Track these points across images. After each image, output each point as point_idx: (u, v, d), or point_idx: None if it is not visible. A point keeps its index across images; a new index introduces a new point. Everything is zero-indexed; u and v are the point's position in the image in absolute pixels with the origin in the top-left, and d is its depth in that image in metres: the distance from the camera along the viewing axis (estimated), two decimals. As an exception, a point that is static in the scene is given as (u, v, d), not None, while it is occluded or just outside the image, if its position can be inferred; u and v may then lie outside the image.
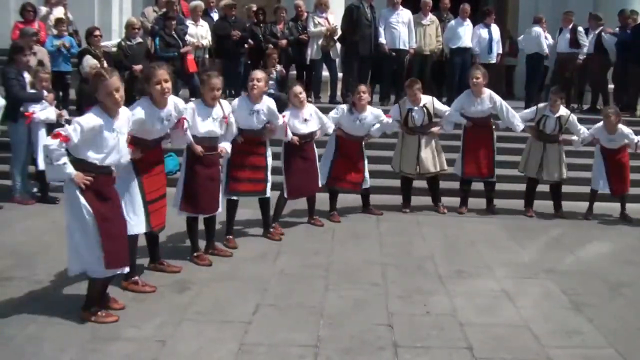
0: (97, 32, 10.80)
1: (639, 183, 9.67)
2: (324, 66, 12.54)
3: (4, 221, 7.70)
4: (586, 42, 13.14)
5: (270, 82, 11.38)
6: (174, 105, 5.64)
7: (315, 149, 7.82)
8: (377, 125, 8.31)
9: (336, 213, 8.28)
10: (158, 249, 6.11)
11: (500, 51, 13.33)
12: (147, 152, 5.51)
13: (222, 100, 6.44)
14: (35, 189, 8.84)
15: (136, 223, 5.50)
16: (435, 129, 8.67)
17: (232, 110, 6.62)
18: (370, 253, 6.94)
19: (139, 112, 5.35)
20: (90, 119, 4.71)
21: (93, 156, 4.74)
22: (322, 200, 8.20)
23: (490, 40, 12.96)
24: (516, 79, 15.48)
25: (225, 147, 6.50)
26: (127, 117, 5.02)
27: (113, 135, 4.80)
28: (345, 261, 6.62)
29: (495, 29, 13.15)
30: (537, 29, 13.38)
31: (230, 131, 6.58)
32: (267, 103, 6.98)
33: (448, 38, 13.07)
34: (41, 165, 8.33)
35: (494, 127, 8.81)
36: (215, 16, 13.19)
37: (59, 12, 12.03)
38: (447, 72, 13.26)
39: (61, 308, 5.05)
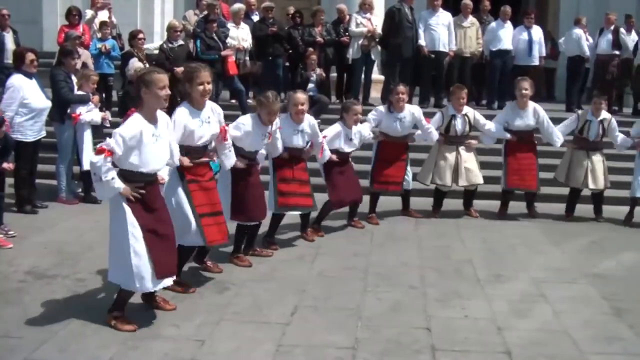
0: (140, 35, 10.98)
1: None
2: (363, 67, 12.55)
3: (49, 220, 7.87)
4: (628, 44, 12.94)
5: (310, 85, 11.48)
6: (211, 108, 5.66)
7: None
8: (419, 132, 8.35)
9: (375, 216, 8.28)
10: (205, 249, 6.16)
11: (544, 53, 13.19)
12: (196, 164, 5.56)
13: None
14: (79, 189, 9.01)
15: (189, 233, 5.49)
16: (473, 142, 8.58)
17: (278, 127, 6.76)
18: (409, 256, 6.93)
19: (179, 116, 5.40)
20: (130, 127, 4.69)
21: (136, 164, 4.75)
22: (362, 202, 8.19)
23: (530, 42, 12.84)
24: (557, 81, 15.29)
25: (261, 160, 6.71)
26: (167, 122, 5.03)
27: (153, 140, 4.79)
28: (384, 264, 6.63)
29: (536, 31, 13.02)
30: (578, 31, 13.22)
31: (276, 146, 6.73)
32: (309, 120, 7.06)
33: (488, 40, 12.97)
34: (86, 165, 8.52)
35: (535, 140, 8.71)
36: (255, 18, 13.29)
37: (103, 15, 12.25)
38: (487, 74, 13.17)
39: (103, 306, 5.14)
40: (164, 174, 5.22)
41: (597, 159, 8.59)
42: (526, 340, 4.87)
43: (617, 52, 13.02)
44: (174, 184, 5.49)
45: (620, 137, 8.75)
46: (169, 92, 4.85)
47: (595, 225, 8.54)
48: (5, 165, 7.02)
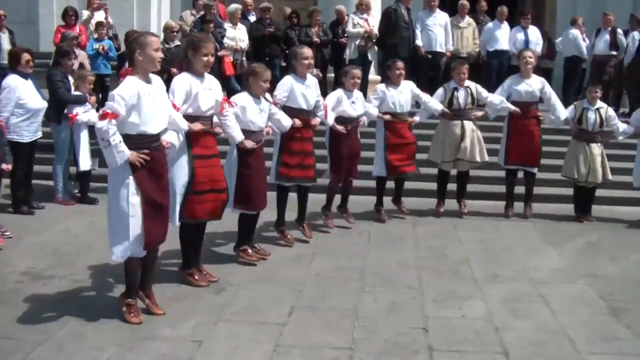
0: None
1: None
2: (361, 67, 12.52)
3: (45, 221, 7.84)
4: (625, 44, 12.95)
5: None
6: (210, 78, 5.76)
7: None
8: (422, 107, 8.44)
9: (382, 210, 8.34)
10: (200, 250, 6.04)
11: (539, 53, 13.16)
12: (203, 135, 5.61)
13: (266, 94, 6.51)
14: (76, 190, 8.99)
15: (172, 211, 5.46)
16: (478, 113, 8.55)
17: (284, 94, 6.86)
18: (406, 256, 6.93)
19: (180, 80, 5.52)
20: (128, 87, 4.73)
21: (137, 123, 4.76)
22: (355, 201, 8.17)
23: (527, 42, 12.86)
24: (554, 82, 15.29)
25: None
26: (161, 83, 5.08)
27: (150, 99, 4.81)
28: (381, 264, 6.63)
29: (532, 31, 13.05)
30: (574, 31, 13.24)
31: (280, 121, 6.64)
32: (312, 78, 7.17)
33: (485, 41, 13.00)
34: (82, 166, 8.51)
35: (541, 117, 8.58)
36: (252, 19, 13.29)
37: (100, 16, 12.23)
38: (483, 74, 13.17)
39: (100, 307, 5.16)
40: (171, 139, 5.22)
41: (597, 151, 8.51)
42: (524, 340, 4.88)
43: (614, 53, 13.02)
44: (180, 156, 5.52)
45: (622, 125, 8.73)
46: (162, 55, 4.94)
47: (592, 226, 8.52)
48: (4, 166, 7.01)
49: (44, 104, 8.15)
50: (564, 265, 6.83)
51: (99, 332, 4.78)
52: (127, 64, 9.97)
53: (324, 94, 11.87)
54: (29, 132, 8.00)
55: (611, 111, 8.74)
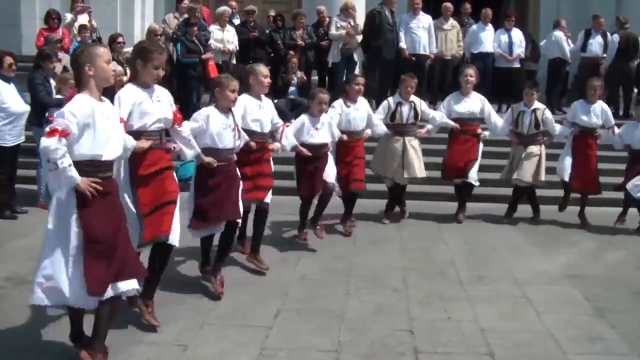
0: (120, 39, 10.92)
1: None
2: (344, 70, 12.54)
3: (27, 226, 7.79)
4: (616, 47, 13.03)
5: (291, 87, 11.47)
6: (160, 89, 5.08)
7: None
8: (372, 127, 8.11)
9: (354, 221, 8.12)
10: (156, 283, 5.25)
11: (522, 55, 13.22)
12: (148, 152, 4.88)
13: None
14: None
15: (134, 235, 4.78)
16: (422, 130, 8.54)
17: (239, 113, 6.11)
18: (392, 258, 6.94)
19: (124, 92, 4.91)
20: (81, 105, 4.14)
21: (91, 146, 4.16)
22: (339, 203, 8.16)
23: (510, 44, 12.92)
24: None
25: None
26: (113, 107, 4.51)
27: (105, 119, 4.22)
28: (367, 266, 6.63)
29: (516, 34, 13.10)
30: (558, 33, 13.29)
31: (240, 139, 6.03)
32: (267, 100, 6.55)
33: (469, 43, 13.04)
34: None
35: (480, 134, 8.57)
36: (237, 22, 13.28)
37: (83, 19, 12.16)
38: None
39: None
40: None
41: (532, 152, 8.46)
42: (509, 341, 4.89)
43: (605, 55, 13.07)
44: (125, 184, 4.88)
45: (557, 126, 8.71)
46: (114, 68, 4.48)
47: (575, 227, 8.54)
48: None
49: (27, 108, 8.10)
50: (548, 266, 6.85)
51: (83, 337, 4.73)
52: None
53: (308, 97, 11.94)
54: (11, 136, 7.94)
55: (548, 112, 8.68)
